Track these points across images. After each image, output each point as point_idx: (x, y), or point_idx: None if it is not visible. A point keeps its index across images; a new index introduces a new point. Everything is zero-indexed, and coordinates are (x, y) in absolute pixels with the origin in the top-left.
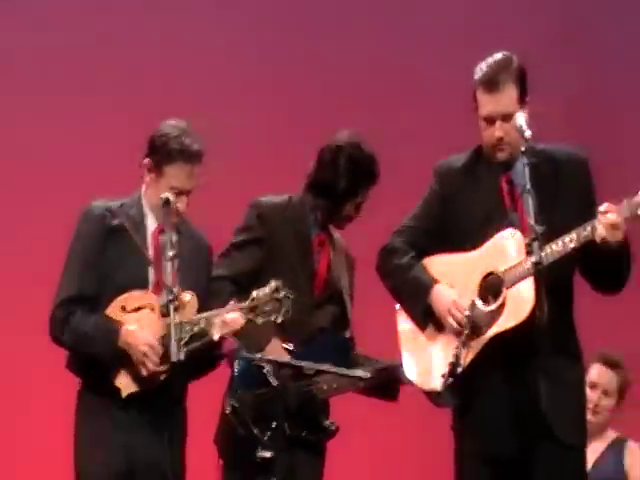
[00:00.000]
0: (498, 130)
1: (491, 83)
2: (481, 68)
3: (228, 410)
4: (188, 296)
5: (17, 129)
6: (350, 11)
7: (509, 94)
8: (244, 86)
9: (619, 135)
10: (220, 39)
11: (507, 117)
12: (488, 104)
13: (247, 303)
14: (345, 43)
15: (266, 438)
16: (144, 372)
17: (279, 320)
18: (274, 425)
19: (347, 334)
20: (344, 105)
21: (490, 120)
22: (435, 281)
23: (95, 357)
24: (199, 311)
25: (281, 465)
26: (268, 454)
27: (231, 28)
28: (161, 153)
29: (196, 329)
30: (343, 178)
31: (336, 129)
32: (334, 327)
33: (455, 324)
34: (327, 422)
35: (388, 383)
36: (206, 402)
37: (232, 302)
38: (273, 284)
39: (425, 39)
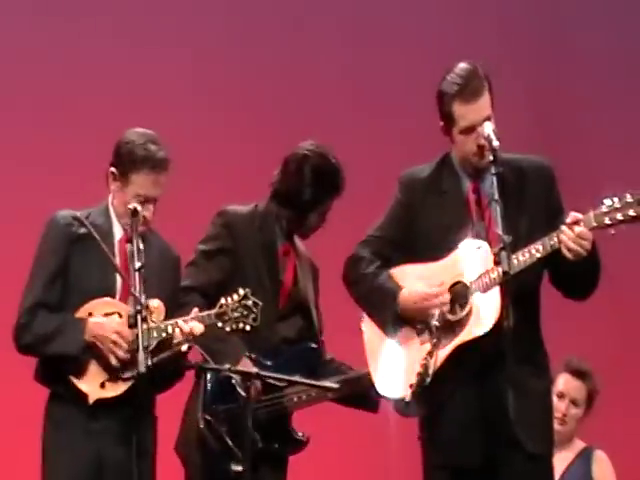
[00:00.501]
0: (480, 138)
1: (471, 92)
2: (454, 82)
3: (202, 424)
4: (156, 302)
5: None
6: (320, 18)
7: (486, 99)
8: (212, 95)
9: (586, 138)
10: (189, 46)
11: (486, 120)
12: (469, 114)
13: (215, 310)
14: (314, 49)
15: (240, 451)
16: (114, 361)
17: (247, 328)
18: (248, 439)
19: (313, 345)
20: (312, 112)
21: (471, 130)
22: (400, 287)
23: (61, 355)
24: (165, 319)
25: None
26: (241, 468)
27: (200, 35)
28: (126, 161)
29: (164, 334)
30: (308, 188)
31: (303, 136)
32: (300, 338)
33: (439, 303)
34: (299, 434)
35: (362, 393)
36: (176, 412)
37: (195, 310)
38: (241, 291)
39: (391, 49)
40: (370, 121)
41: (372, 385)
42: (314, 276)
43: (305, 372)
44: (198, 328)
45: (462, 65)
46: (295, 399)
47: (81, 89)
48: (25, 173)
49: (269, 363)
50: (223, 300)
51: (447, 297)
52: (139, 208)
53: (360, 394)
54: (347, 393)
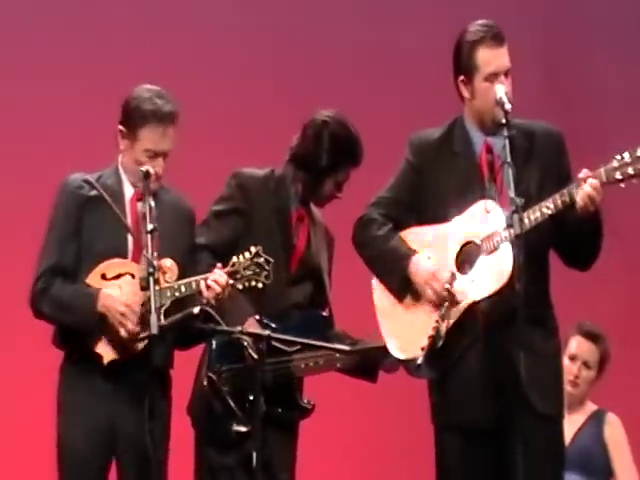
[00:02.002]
0: (507, 85)
1: (495, 37)
2: (477, 30)
3: (205, 382)
4: (169, 262)
5: None
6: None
7: (507, 50)
8: (229, 61)
9: (598, 106)
10: (204, 14)
11: (508, 73)
12: (494, 59)
13: (227, 268)
14: (330, 22)
15: (242, 412)
16: (123, 333)
17: (259, 285)
18: (250, 399)
19: (324, 313)
20: (331, 82)
21: (495, 76)
22: (413, 252)
23: (75, 324)
24: (179, 277)
25: (255, 441)
26: (244, 428)
27: (216, 3)
28: (134, 117)
29: (177, 294)
30: (325, 153)
31: (320, 105)
32: (310, 304)
33: (435, 296)
34: (303, 400)
35: (370, 364)
36: (192, 373)
37: (219, 265)
38: (253, 249)
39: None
40: (384, 89)
41: (382, 357)
42: (329, 245)
43: (314, 338)
44: (221, 281)
45: (482, 20)
46: (302, 365)
47: (92, 53)
48: (39, 140)
49: (276, 326)
50: (235, 258)
51: (439, 289)
52: (151, 170)
53: (368, 365)
54: (356, 363)
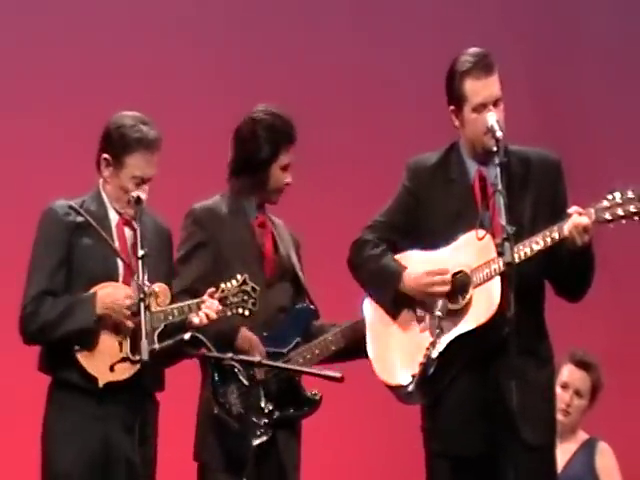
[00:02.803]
0: (497, 111)
1: (483, 68)
2: (466, 60)
3: (216, 410)
4: (160, 286)
5: None
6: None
7: (497, 79)
8: (210, 83)
9: (591, 134)
10: (190, 32)
11: (497, 102)
12: (484, 89)
13: (217, 294)
14: (318, 41)
15: (262, 423)
16: (130, 324)
17: (246, 313)
18: (264, 410)
19: (310, 305)
20: (314, 104)
21: (482, 107)
22: (403, 267)
23: (73, 333)
24: (171, 301)
25: (266, 449)
26: (264, 438)
27: (201, 24)
28: (119, 145)
29: (170, 318)
30: (263, 143)
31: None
32: (293, 303)
33: (442, 287)
34: (310, 393)
35: (358, 339)
36: (178, 397)
37: (211, 289)
38: (239, 277)
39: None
40: (370, 113)
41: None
42: (296, 246)
43: (303, 335)
44: (214, 307)
45: (473, 48)
46: (300, 360)
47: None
48: (12, 164)
49: (267, 334)
50: (223, 285)
51: (449, 277)
52: (142, 196)
53: (358, 340)
54: (347, 340)
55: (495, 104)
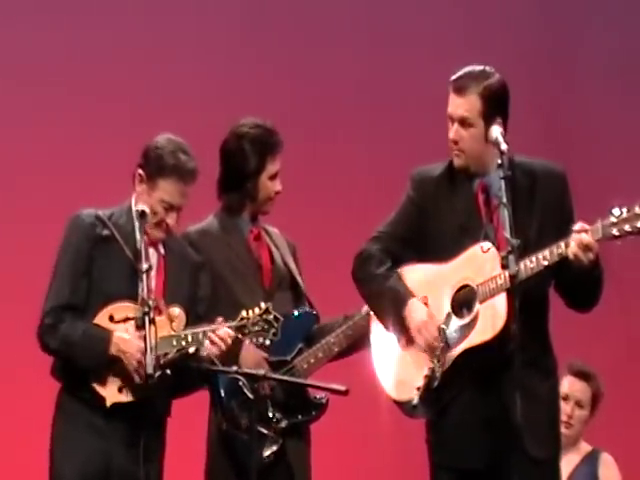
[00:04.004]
0: (452, 132)
1: (457, 86)
2: (458, 72)
3: (224, 427)
4: (177, 310)
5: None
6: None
7: (471, 103)
8: (219, 96)
9: (595, 146)
10: (201, 47)
11: (464, 122)
12: (452, 104)
13: (236, 322)
14: (330, 54)
15: (272, 433)
16: (137, 379)
17: (267, 342)
18: (273, 419)
19: (309, 310)
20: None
21: (451, 120)
22: (410, 294)
23: (84, 364)
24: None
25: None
26: (275, 447)
27: (210, 34)
28: (155, 166)
29: (184, 344)
30: (251, 155)
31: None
32: (294, 309)
33: (424, 345)
34: (315, 397)
35: (361, 338)
36: (186, 415)
37: (220, 319)
38: (263, 305)
39: (409, 52)
40: (370, 120)
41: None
42: (292, 252)
43: (305, 339)
44: (227, 338)
45: (479, 66)
46: (305, 365)
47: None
48: (45, 173)
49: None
50: (244, 313)
51: (429, 339)
52: (147, 210)
53: (360, 336)
54: (348, 338)
55: (461, 124)
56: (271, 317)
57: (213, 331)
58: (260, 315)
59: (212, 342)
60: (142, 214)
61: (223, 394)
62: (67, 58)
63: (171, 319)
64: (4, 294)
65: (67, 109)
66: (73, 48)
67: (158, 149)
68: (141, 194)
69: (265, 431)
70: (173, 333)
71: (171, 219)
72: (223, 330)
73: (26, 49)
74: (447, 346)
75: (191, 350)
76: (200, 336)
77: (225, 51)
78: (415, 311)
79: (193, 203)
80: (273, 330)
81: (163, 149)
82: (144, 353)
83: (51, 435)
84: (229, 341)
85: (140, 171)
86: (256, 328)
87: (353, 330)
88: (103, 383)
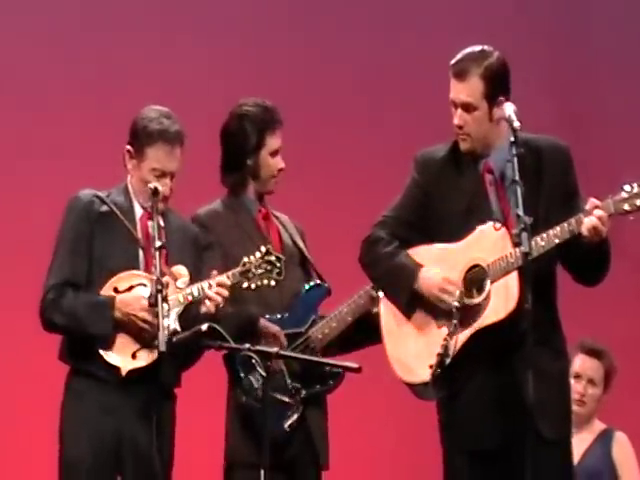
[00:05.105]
0: (456, 117)
1: (458, 71)
2: (457, 55)
3: (243, 399)
4: (182, 268)
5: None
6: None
7: (473, 86)
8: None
9: (608, 123)
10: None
11: (468, 107)
12: (453, 89)
13: (239, 268)
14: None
15: (292, 401)
16: (147, 336)
17: (272, 283)
18: (291, 390)
19: (320, 282)
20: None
21: (454, 105)
22: (420, 266)
23: (90, 334)
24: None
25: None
26: (295, 416)
27: (217, 26)
28: (141, 136)
29: (190, 298)
30: (251, 133)
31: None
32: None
33: (450, 299)
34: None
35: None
36: (196, 392)
37: (214, 272)
38: (263, 248)
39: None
40: (380, 104)
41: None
42: (301, 236)
43: (317, 313)
44: (224, 291)
45: (477, 47)
46: (320, 336)
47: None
48: (45, 159)
49: (280, 316)
50: (246, 258)
51: (453, 290)
52: (160, 187)
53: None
54: (361, 308)
55: (465, 109)
56: (273, 258)
57: (210, 286)
58: (262, 257)
59: (208, 298)
60: (155, 191)
61: (239, 368)
62: (66, 45)
63: (175, 277)
64: (4, 276)
65: (66, 99)
66: (70, 32)
67: (142, 119)
68: (132, 170)
69: (287, 399)
70: (179, 290)
71: (165, 187)
72: (221, 279)
73: (23, 36)
74: (459, 325)
75: (203, 328)
76: (206, 287)
77: (225, 38)
78: (430, 275)
79: (198, 196)
80: (277, 270)
81: (146, 118)
82: (147, 310)
83: (60, 417)
84: (225, 293)
85: (128, 147)
86: (260, 271)
87: (365, 299)
88: (114, 353)
